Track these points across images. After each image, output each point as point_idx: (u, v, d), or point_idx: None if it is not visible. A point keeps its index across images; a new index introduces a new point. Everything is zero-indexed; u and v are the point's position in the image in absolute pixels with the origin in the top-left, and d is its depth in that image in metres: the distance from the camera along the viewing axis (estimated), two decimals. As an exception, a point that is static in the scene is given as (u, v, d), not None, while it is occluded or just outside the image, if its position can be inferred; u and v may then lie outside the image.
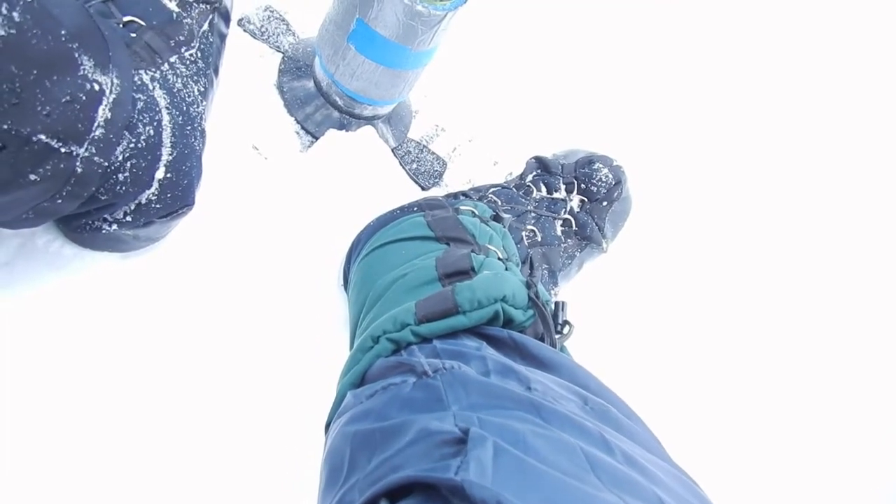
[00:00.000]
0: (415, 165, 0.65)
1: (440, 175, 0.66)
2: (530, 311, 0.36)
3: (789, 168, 0.90)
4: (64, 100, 0.36)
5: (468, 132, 0.70)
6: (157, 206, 0.45)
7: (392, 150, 0.64)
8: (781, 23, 1.04)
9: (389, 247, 0.45)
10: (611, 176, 0.57)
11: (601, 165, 0.57)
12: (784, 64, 1.00)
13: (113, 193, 0.42)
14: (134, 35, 0.45)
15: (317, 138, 0.60)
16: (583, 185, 0.57)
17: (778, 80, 0.98)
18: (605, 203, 0.58)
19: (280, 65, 0.62)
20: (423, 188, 0.65)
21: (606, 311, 0.66)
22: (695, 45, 0.94)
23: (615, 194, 0.58)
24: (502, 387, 0.27)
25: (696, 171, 0.83)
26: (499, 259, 0.43)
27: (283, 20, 0.65)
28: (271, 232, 0.53)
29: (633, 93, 0.86)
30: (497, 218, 0.50)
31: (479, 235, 0.45)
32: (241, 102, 0.58)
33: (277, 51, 0.63)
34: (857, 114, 1.01)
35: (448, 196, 0.55)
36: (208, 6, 0.51)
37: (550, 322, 0.36)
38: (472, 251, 0.41)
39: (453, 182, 0.67)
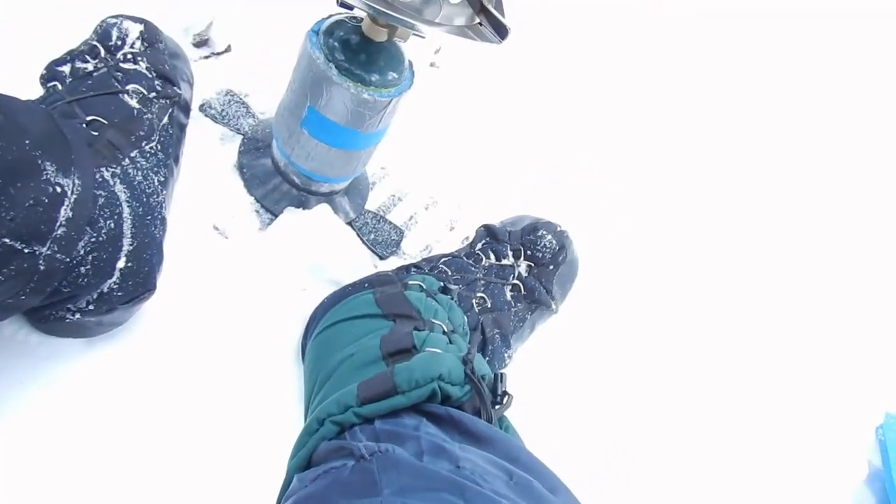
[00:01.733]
0: (372, 236, 0.68)
1: (397, 244, 0.69)
2: (467, 387, 0.39)
3: (729, 227, 0.95)
4: (27, 204, 0.38)
5: (424, 200, 0.74)
6: (119, 293, 0.47)
7: (350, 223, 0.67)
8: (721, 85, 1.11)
9: (340, 325, 0.47)
10: (554, 242, 0.61)
11: (545, 232, 0.61)
12: (721, 129, 1.07)
13: (75, 286, 0.44)
14: (96, 133, 0.48)
15: (276, 215, 0.63)
16: (529, 252, 0.61)
17: (715, 147, 1.05)
18: (551, 267, 0.61)
19: (240, 146, 0.65)
20: (381, 258, 0.68)
21: (560, 369, 0.69)
22: (634, 114, 1.01)
23: (560, 258, 0.61)
24: (432, 469, 0.29)
25: (643, 227, 0.88)
26: (444, 333, 0.46)
27: (244, 103, 0.68)
28: (232, 311, 0.55)
29: (577, 156, 0.91)
30: (445, 290, 0.53)
31: (424, 310, 0.47)
32: (203, 185, 0.61)
33: (238, 133, 0.66)
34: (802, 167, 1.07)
35: (400, 269, 0.58)
36: (168, 101, 0.54)
37: (486, 396, 0.38)
38: (416, 328, 0.44)
39: (411, 248, 0.70)
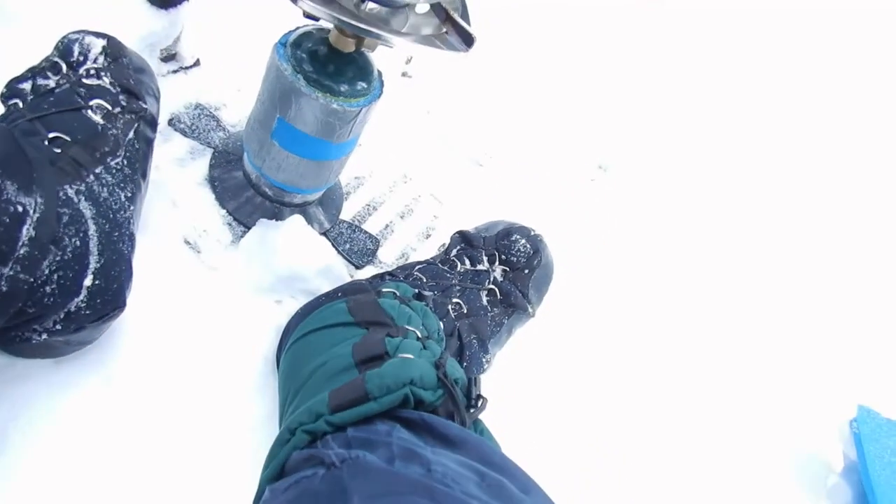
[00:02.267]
0: (348, 245, 0.68)
1: (373, 253, 0.69)
2: (440, 391, 0.38)
3: (703, 225, 0.97)
4: (-14, 224, 0.37)
5: (399, 209, 0.74)
6: (87, 311, 0.46)
7: (325, 233, 0.67)
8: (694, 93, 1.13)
9: (313, 335, 0.47)
10: (529, 246, 0.61)
11: (519, 237, 0.61)
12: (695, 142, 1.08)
13: (41, 305, 0.43)
14: (59, 151, 0.47)
15: (249, 228, 0.62)
16: (503, 256, 0.61)
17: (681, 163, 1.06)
18: (526, 271, 0.61)
19: (211, 160, 0.65)
20: (357, 267, 0.67)
21: (540, 372, 0.69)
22: (612, 116, 1.02)
23: (535, 262, 0.61)
24: (402, 474, 0.29)
25: (617, 228, 0.89)
26: (418, 339, 0.46)
27: (214, 117, 0.68)
28: (206, 325, 0.55)
29: (554, 161, 0.92)
30: (420, 296, 0.53)
31: (397, 317, 0.47)
32: (174, 200, 0.60)
33: (208, 146, 0.66)
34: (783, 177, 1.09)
35: (374, 277, 0.58)
36: (133, 115, 0.54)
37: (459, 400, 0.38)
38: (389, 334, 0.44)
39: (387, 257, 0.70)
